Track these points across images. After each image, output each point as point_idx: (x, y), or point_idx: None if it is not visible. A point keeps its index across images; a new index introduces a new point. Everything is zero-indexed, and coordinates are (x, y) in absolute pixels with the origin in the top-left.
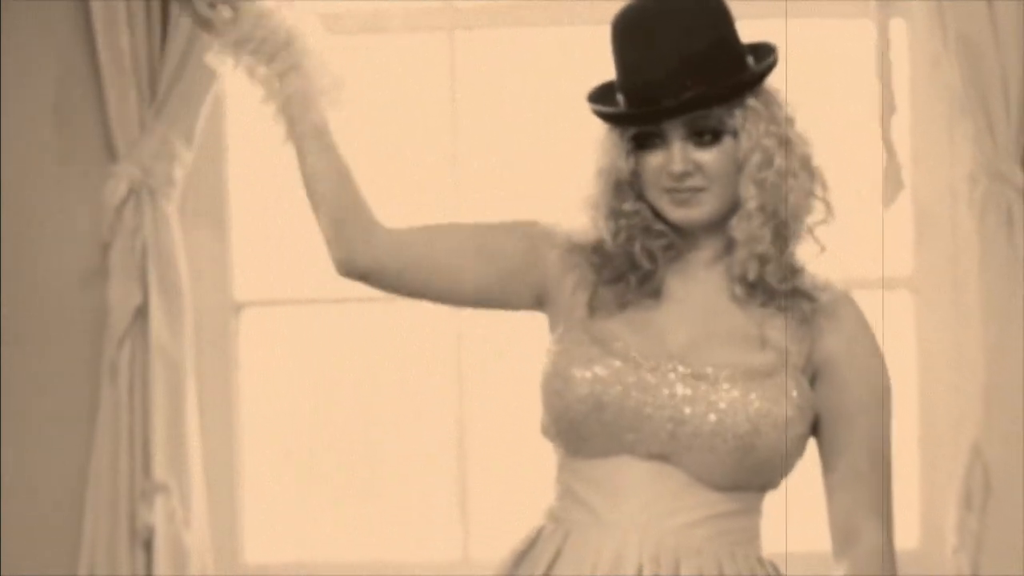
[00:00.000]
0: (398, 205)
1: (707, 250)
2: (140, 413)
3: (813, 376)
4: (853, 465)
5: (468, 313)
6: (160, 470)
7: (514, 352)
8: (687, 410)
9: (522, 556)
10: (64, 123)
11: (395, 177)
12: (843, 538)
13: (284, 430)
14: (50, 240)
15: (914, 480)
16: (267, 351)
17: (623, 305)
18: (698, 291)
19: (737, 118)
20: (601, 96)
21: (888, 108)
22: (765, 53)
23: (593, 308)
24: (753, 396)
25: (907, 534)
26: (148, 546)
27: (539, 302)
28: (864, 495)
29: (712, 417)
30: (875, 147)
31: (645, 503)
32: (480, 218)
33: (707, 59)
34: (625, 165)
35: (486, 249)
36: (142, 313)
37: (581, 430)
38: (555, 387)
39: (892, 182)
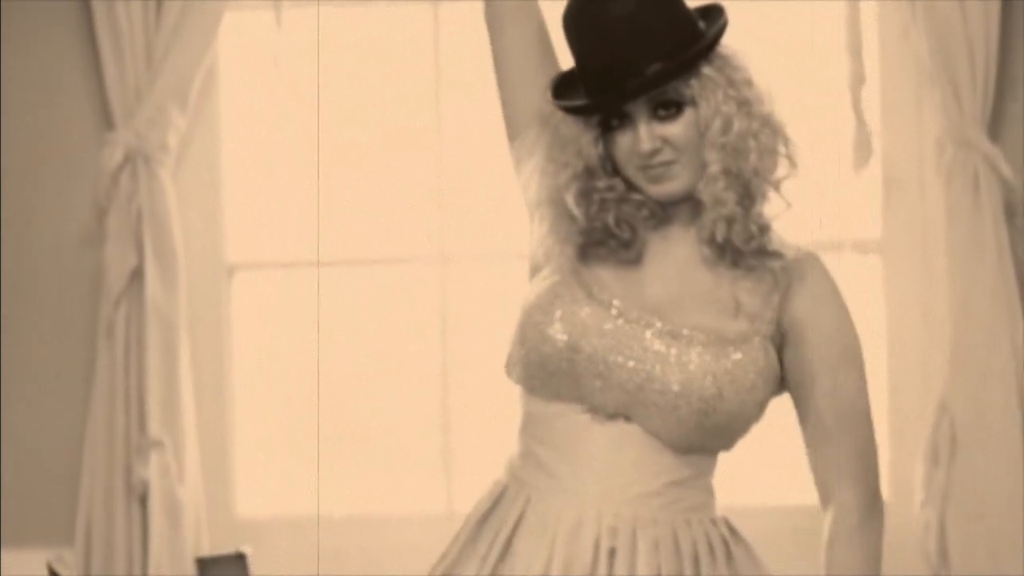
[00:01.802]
0: (384, 174)
1: (683, 213)
2: (135, 372)
3: (782, 339)
4: (820, 424)
5: (452, 272)
6: (155, 427)
7: (498, 308)
8: (657, 367)
9: (485, 519)
10: (62, 92)
11: (380, 145)
12: (822, 495)
13: (274, 388)
14: (49, 205)
15: (883, 435)
16: (258, 312)
17: (607, 260)
18: (675, 251)
19: (694, 87)
20: (561, 87)
21: (858, 78)
22: (715, 16)
23: (581, 256)
24: (722, 362)
25: None
26: (143, 500)
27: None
28: (833, 454)
29: (680, 378)
30: (846, 115)
31: (605, 472)
32: (463, 193)
33: (662, 34)
34: (595, 150)
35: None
36: (137, 275)
37: (550, 366)
38: (535, 319)
39: (862, 148)
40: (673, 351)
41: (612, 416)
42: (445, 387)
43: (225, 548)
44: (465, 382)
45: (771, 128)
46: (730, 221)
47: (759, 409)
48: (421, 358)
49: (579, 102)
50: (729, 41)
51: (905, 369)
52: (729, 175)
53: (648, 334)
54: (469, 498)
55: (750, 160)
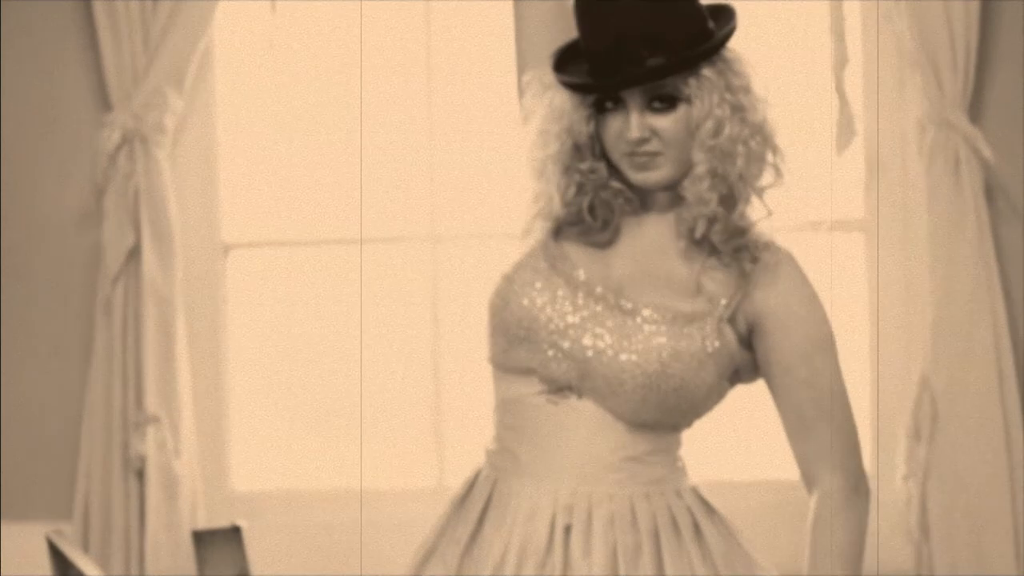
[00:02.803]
0: (375, 167)
1: (661, 202)
2: (133, 348)
3: (749, 329)
4: (799, 414)
5: (443, 254)
6: (152, 402)
7: (490, 287)
8: (607, 339)
9: (461, 503)
10: (60, 74)
11: (371, 125)
12: (806, 479)
13: (269, 365)
14: (48, 185)
15: (865, 411)
16: (253, 289)
17: (580, 237)
18: (647, 235)
19: (692, 86)
20: (564, 59)
21: (841, 60)
22: (726, 19)
23: (555, 234)
24: (668, 339)
25: None
26: (140, 475)
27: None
28: (813, 443)
29: (627, 352)
30: (829, 96)
31: (560, 450)
32: (454, 171)
33: (669, 27)
34: (586, 128)
35: None
36: (135, 254)
37: (509, 333)
38: (500, 287)
39: (845, 129)
40: (625, 325)
41: (564, 393)
42: (436, 364)
43: (221, 522)
44: (456, 359)
45: (762, 136)
46: (711, 220)
47: (712, 392)
48: (412, 336)
49: (576, 79)
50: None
51: (887, 346)
52: (715, 176)
53: (602, 308)
54: (460, 472)
55: (736, 165)
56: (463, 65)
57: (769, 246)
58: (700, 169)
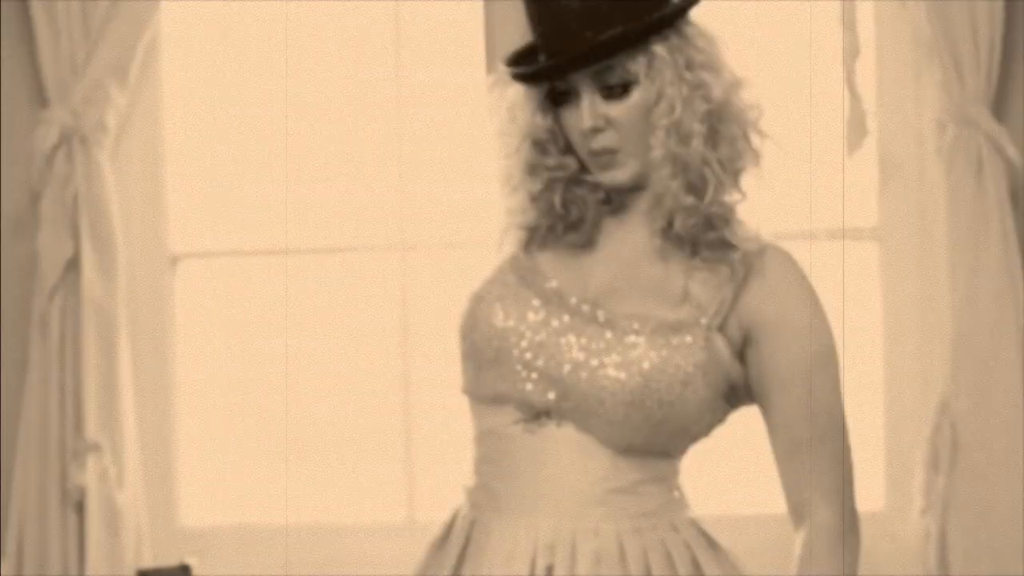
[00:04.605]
0: (343, 158)
1: (643, 201)
2: (71, 369)
3: (743, 340)
4: (793, 435)
5: (415, 265)
6: (92, 428)
7: (464, 299)
8: (586, 356)
9: (440, 545)
10: None
11: (339, 128)
12: (795, 509)
13: (221, 387)
14: None
15: (879, 438)
16: (204, 305)
17: (556, 245)
18: (629, 239)
19: (641, 65)
20: (522, 54)
21: (852, 50)
22: None
23: (526, 245)
24: (650, 351)
25: (871, 495)
26: (80, 508)
27: None
28: (807, 468)
29: (605, 369)
30: (838, 91)
31: (538, 484)
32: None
33: (610, 5)
34: (542, 122)
35: None
36: (73, 265)
37: (480, 356)
38: (469, 308)
39: (856, 128)
40: (603, 338)
41: (542, 420)
42: (406, 385)
43: (168, 559)
44: (428, 380)
45: (731, 115)
46: (681, 212)
47: (704, 410)
48: (382, 354)
49: (521, 68)
50: (719, 17)
51: (903, 367)
52: (676, 162)
53: (578, 320)
54: (432, 506)
55: (692, 145)
56: (434, 69)
57: (766, 246)
58: (657, 153)
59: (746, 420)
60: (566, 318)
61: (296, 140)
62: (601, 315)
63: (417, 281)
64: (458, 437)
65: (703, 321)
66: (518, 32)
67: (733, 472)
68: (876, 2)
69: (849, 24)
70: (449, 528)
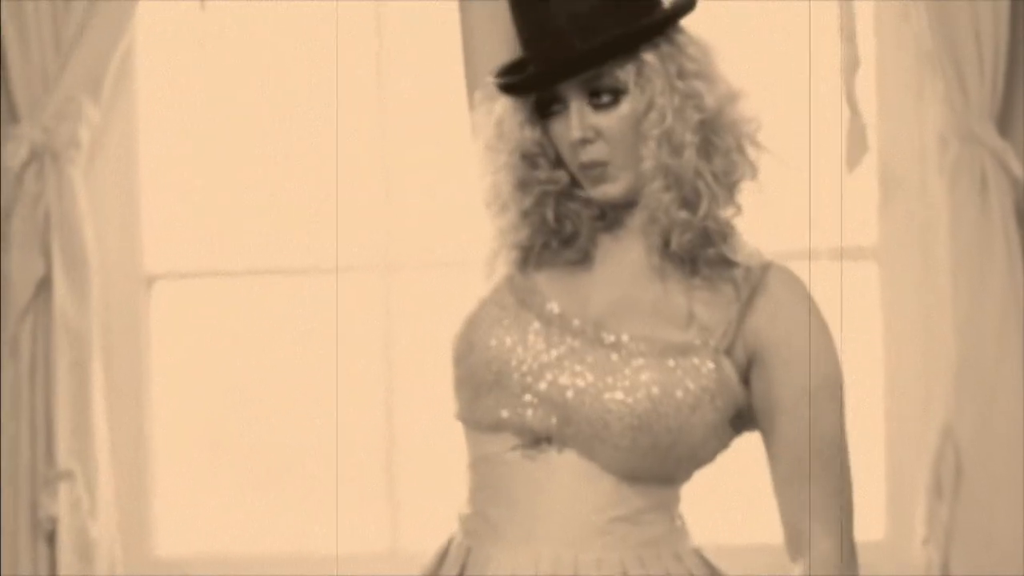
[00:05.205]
0: (321, 176)
1: (637, 217)
2: (42, 394)
3: (748, 361)
4: (794, 462)
5: (398, 285)
6: (64, 456)
7: (448, 321)
8: (590, 379)
9: (433, 574)
10: None
11: (315, 145)
12: (793, 540)
13: (198, 412)
14: None
15: (879, 465)
16: (180, 328)
17: (552, 264)
18: (627, 258)
19: (630, 74)
20: (511, 66)
21: (851, 62)
22: (683, 5)
23: (522, 265)
24: (657, 374)
25: (872, 524)
26: (51, 539)
27: None
28: (807, 497)
29: (611, 392)
30: (837, 105)
31: (539, 512)
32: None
33: (598, 13)
34: (531, 135)
35: None
36: (45, 286)
37: (476, 380)
38: (463, 331)
39: (856, 143)
40: (608, 361)
41: (542, 446)
42: (390, 411)
43: None
44: (412, 404)
45: (725, 126)
46: (676, 227)
47: (711, 435)
48: (364, 378)
49: (508, 79)
50: (715, 28)
51: (904, 390)
52: (668, 174)
53: (581, 342)
54: (415, 535)
55: (684, 156)
56: (418, 86)
57: (768, 264)
58: (647, 165)
59: (740, 447)
60: (569, 340)
61: (277, 157)
62: (606, 337)
63: (401, 303)
64: (443, 463)
65: (711, 343)
66: (499, 45)
67: (728, 500)
68: (876, 12)
69: (848, 35)
70: (443, 556)
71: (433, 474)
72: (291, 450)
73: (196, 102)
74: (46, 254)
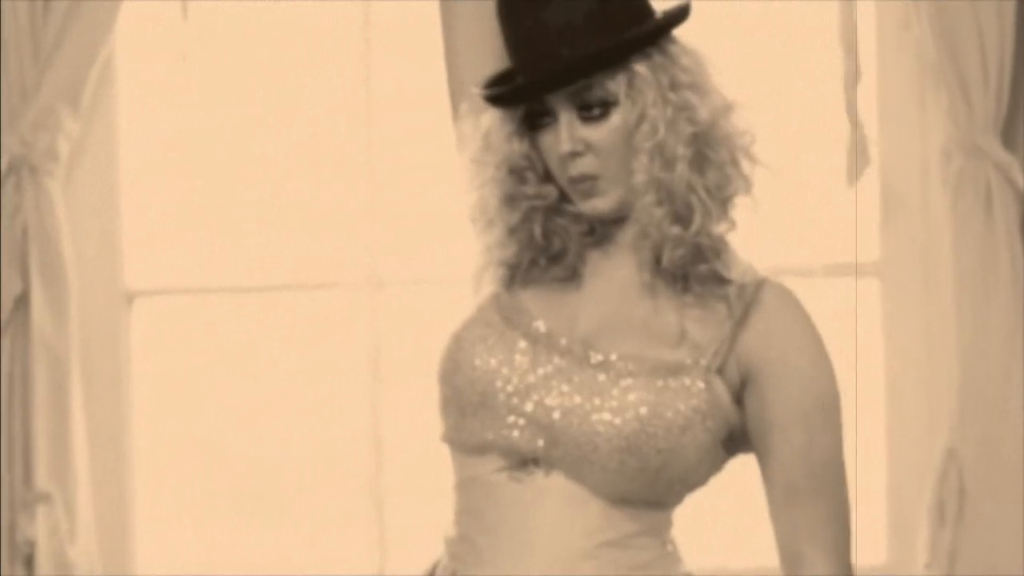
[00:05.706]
0: (309, 190)
1: (627, 232)
2: (20, 413)
3: (742, 381)
4: (791, 484)
5: (385, 301)
6: (42, 477)
7: (437, 338)
8: (577, 399)
9: None
10: None
11: (305, 158)
12: (789, 565)
13: (180, 433)
14: None
15: (881, 488)
16: (161, 345)
17: (540, 281)
18: (618, 275)
19: (621, 85)
20: (499, 77)
21: (853, 74)
22: (677, 14)
23: (508, 283)
24: (647, 394)
25: (874, 548)
26: (29, 562)
27: None
28: (804, 519)
29: (599, 413)
30: (839, 118)
31: (525, 536)
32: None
33: (588, 23)
34: (519, 148)
35: None
36: (22, 302)
37: (462, 400)
38: (449, 350)
39: (858, 157)
40: (596, 381)
41: (529, 468)
42: (377, 432)
43: None
44: (399, 425)
45: (719, 139)
46: (668, 243)
47: (703, 458)
48: (350, 402)
49: (495, 90)
50: (710, 38)
51: (906, 411)
52: (659, 188)
53: (568, 362)
54: (403, 559)
55: (677, 170)
56: (405, 101)
57: (763, 281)
58: (639, 178)
59: (734, 469)
60: (556, 360)
61: (261, 171)
62: (593, 356)
63: (388, 320)
64: (431, 486)
65: (702, 363)
66: (482, 58)
67: (722, 524)
68: (879, 24)
69: (850, 47)
70: None
71: (421, 497)
72: (275, 471)
73: (178, 114)
74: (24, 270)
